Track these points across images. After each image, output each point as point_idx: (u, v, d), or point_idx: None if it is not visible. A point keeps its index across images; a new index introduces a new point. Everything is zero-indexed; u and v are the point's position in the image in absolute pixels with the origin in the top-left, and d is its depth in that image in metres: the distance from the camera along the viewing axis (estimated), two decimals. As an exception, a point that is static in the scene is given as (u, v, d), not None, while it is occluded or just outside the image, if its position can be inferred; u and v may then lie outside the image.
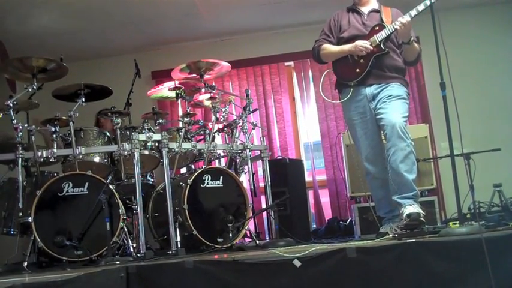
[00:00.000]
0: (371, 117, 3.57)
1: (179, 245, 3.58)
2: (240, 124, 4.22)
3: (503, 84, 5.55)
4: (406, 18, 3.41)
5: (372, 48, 3.50)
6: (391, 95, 3.49)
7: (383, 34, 3.50)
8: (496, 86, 5.55)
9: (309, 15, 5.46)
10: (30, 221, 3.33)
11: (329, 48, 3.70)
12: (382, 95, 3.52)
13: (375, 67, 3.54)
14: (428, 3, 3.30)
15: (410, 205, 3.28)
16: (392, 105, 3.46)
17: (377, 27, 3.55)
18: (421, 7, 3.39)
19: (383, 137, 3.60)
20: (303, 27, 5.68)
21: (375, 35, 3.52)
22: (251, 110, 4.31)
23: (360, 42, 3.52)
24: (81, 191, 3.52)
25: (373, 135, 3.59)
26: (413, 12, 3.42)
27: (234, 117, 4.37)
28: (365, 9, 3.70)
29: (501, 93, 5.53)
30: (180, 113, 4.29)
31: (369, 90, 3.56)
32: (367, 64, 3.53)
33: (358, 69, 3.56)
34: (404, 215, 3.24)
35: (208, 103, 4.44)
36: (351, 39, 3.60)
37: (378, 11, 3.67)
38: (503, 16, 5.63)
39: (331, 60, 3.77)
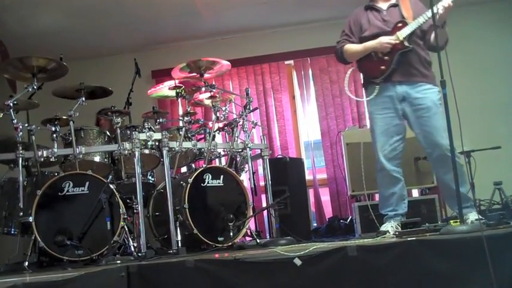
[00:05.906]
0: (397, 116, 3.49)
1: (180, 244, 3.58)
2: (240, 123, 4.22)
3: (504, 82, 5.54)
4: (448, 1, 3.27)
5: (396, 43, 3.43)
6: (428, 107, 3.40)
7: (407, 31, 3.42)
8: (496, 84, 5.54)
9: (309, 13, 5.46)
10: (30, 220, 3.32)
11: (352, 47, 3.61)
12: (416, 104, 3.43)
13: (401, 64, 3.46)
14: None
15: (471, 213, 3.26)
16: (434, 121, 3.37)
17: (400, 24, 3.47)
18: None
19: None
20: (303, 26, 5.68)
21: (397, 32, 3.45)
22: (251, 108, 4.30)
23: (384, 39, 3.44)
24: (82, 191, 3.51)
25: (395, 134, 3.51)
26: None
27: (234, 116, 4.36)
28: (383, 5, 3.61)
29: (501, 91, 5.52)
30: (180, 112, 4.29)
31: (400, 89, 3.47)
32: (391, 61, 3.45)
33: (383, 66, 3.48)
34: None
35: (208, 102, 4.44)
36: (373, 38, 3.51)
37: (396, 5, 3.58)
38: (504, 14, 5.62)
39: (355, 59, 3.68)
